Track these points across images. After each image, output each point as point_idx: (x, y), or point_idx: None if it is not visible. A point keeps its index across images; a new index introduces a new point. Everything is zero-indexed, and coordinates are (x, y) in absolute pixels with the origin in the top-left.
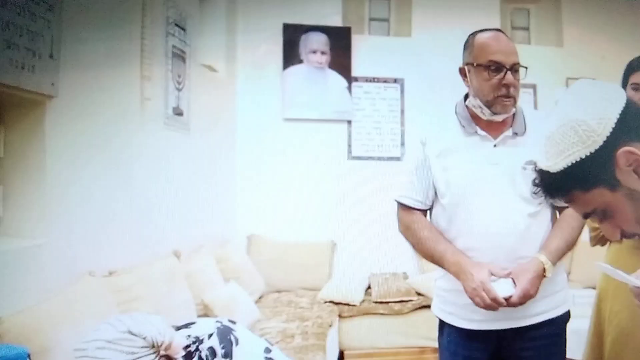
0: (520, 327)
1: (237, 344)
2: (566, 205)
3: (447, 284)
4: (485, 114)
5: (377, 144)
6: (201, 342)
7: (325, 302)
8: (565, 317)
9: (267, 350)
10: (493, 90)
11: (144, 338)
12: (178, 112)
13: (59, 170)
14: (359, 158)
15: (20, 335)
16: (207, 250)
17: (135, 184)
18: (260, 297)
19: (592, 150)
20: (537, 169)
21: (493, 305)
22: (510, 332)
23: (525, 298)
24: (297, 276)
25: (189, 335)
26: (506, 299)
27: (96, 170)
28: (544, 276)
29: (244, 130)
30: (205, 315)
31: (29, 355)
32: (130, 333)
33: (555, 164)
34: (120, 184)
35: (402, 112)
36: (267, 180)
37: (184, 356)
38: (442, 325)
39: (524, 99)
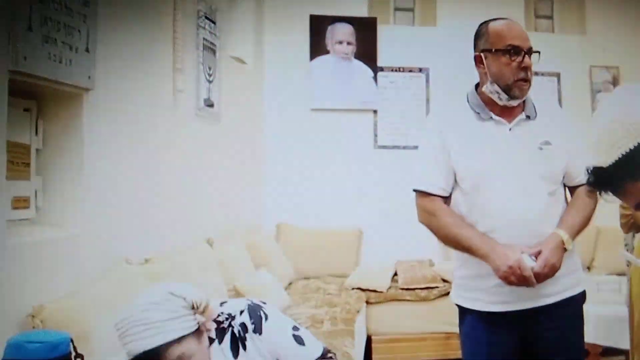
0: (543, 307)
1: (266, 319)
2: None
3: (468, 271)
4: (502, 99)
5: (403, 133)
6: (233, 318)
7: (353, 288)
8: (582, 296)
9: (295, 329)
10: (513, 74)
11: (184, 298)
12: (209, 104)
13: (96, 161)
14: (385, 147)
15: (61, 321)
16: (238, 238)
17: (168, 174)
18: (290, 284)
19: None
20: (589, 169)
21: (530, 280)
22: (533, 312)
23: (549, 269)
24: (325, 263)
25: (222, 312)
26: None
27: (131, 161)
28: (565, 249)
29: (272, 121)
30: None
31: (72, 340)
32: (172, 294)
33: (607, 158)
34: (154, 174)
35: (427, 101)
36: (295, 170)
37: (218, 331)
38: (464, 313)
39: (548, 87)
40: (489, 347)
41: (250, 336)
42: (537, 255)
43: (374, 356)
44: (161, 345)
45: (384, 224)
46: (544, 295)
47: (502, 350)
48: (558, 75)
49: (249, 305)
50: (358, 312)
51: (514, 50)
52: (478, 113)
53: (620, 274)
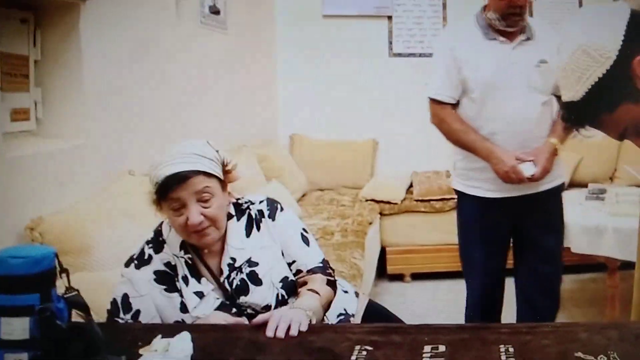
0: (531, 194)
1: (281, 210)
2: None
3: (470, 164)
4: (501, 25)
5: (419, 40)
6: (252, 203)
7: (367, 200)
8: (562, 187)
9: (305, 231)
10: (506, 8)
11: (217, 151)
12: (214, 11)
13: (96, 71)
14: (400, 55)
15: (61, 233)
16: (248, 150)
17: (172, 84)
18: (303, 196)
19: (608, 68)
20: (561, 104)
21: (525, 182)
22: (522, 199)
23: (545, 174)
24: (340, 175)
25: (242, 198)
26: (531, 177)
27: (133, 70)
28: (556, 155)
29: (283, 29)
30: None
31: (56, 255)
32: (208, 143)
33: (576, 92)
34: (157, 84)
35: (444, 6)
36: (308, 79)
37: (237, 210)
38: (462, 199)
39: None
40: (482, 230)
41: (265, 221)
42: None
43: (388, 267)
44: (193, 171)
45: (400, 134)
46: (534, 186)
47: (494, 232)
48: None
49: (267, 197)
50: (370, 223)
51: None
52: (485, 33)
53: None
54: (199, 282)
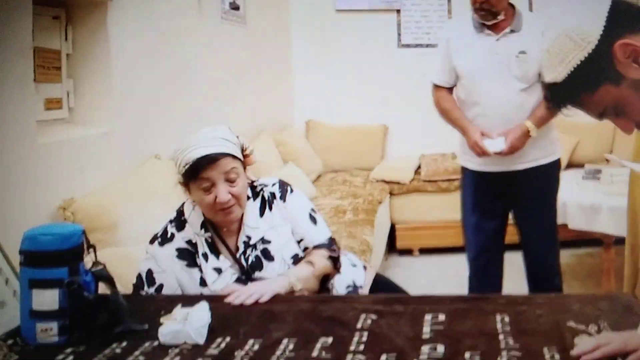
0: (517, 171)
1: (291, 192)
2: None
3: (464, 141)
4: (478, 19)
5: (425, 32)
6: (266, 186)
7: (377, 181)
8: (556, 164)
9: (313, 211)
10: (475, 4)
11: (238, 137)
12: (234, 7)
13: (123, 63)
14: (408, 46)
15: (90, 213)
16: (266, 135)
17: (194, 75)
18: (318, 177)
19: (590, 51)
20: (544, 84)
21: (485, 154)
22: (510, 175)
23: (512, 149)
24: (352, 157)
25: (257, 181)
26: (499, 152)
27: (158, 63)
28: (529, 136)
29: (298, 22)
30: None
31: (84, 232)
32: (229, 129)
33: (558, 74)
34: (181, 75)
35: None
36: (322, 69)
37: (253, 192)
38: (463, 173)
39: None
40: (476, 201)
41: (276, 202)
42: (501, 135)
43: (398, 242)
44: (221, 153)
45: (409, 119)
46: (519, 163)
47: (487, 203)
48: None
49: (279, 180)
50: (380, 203)
51: None
52: (476, 27)
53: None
54: (218, 258)
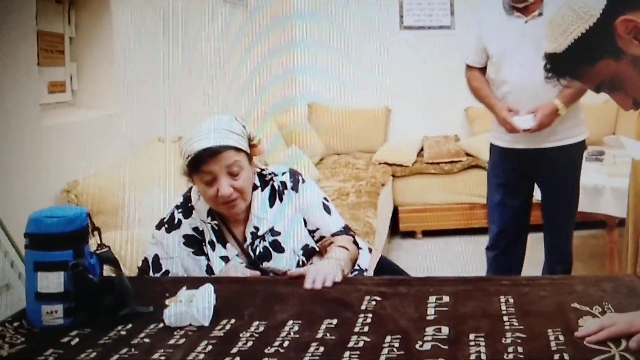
0: (545, 148)
1: (303, 182)
2: None
3: (494, 118)
4: (512, 2)
5: (427, 14)
6: (276, 175)
7: (380, 163)
8: (582, 145)
9: (326, 200)
10: None
11: (244, 127)
12: None
13: (126, 46)
14: (410, 28)
15: (94, 195)
16: (269, 117)
17: (197, 57)
18: (321, 160)
19: (591, 24)
20: (545, 55)
21: (515, 130)
22: (537, 152)
23: (541, 126)
24: (354, 140)
25: (266, 169)
26: (528, 129)
27: (161, 46)
28: (558, 114)
29: (300, 5)
30: None
31: (88, 215)
32: (235, 119)
33: (559, 45)
34: (184, 57)
35: None
36: (325, 51)
37: (261, 181)
38: (491, 150)
39: None
40: (500, 177)
41: (287, 192)
42: (531, 112)
43: (400, 225)
44: (224, 145)
45: (411, 101)
46: (545, 141)
47: (511, 180)
48: None
49: (290, 169)
50: (383, 185)
51: None
52: (506, 10)
53: None
54: (225, 247)
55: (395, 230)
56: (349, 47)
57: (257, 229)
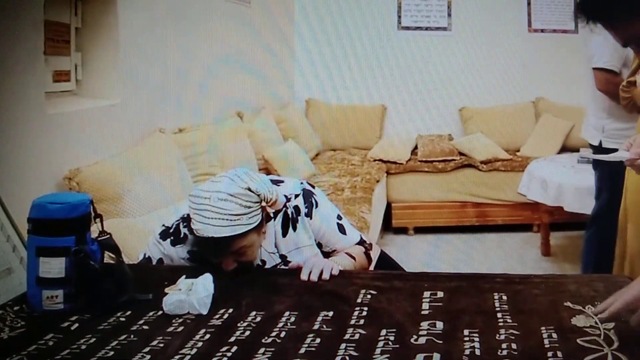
0: None
1: (316, 206)
2: None
3: (621, 125)
4: None
5: (425, 15)
6: (289, 200)
7: (375, 160)
8: None
9: (339, 217)
10: None
11: (259, 195)
12: None
13: (130, 38)
14: (408, 28)
15: (96, 183)
16: (268, 112)
17: (199, 51)
18: (317, 155)
19: None
20: None
21: None
22: None
23: None
24: (350, 136)
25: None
26: None
27: (164, 40)
28: None
29: (300, 3)
30: (266, 169)
31: (91, 202)
32: (249, 190)
33: None
34: (186, 51)
35: None
36: (323, 49)
37: (275, 211)
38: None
39: None
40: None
41: (301, 219)
42: None
43: (393, 221)
44: (228, 236)
45: (407, 100)
46: None
47: None
48: None
49: (303, 189)
50: (378, 181)
51: None
52: None
53: None
54: None
55: (388, 225)
56: (348, 46)
57: (263, 262)
